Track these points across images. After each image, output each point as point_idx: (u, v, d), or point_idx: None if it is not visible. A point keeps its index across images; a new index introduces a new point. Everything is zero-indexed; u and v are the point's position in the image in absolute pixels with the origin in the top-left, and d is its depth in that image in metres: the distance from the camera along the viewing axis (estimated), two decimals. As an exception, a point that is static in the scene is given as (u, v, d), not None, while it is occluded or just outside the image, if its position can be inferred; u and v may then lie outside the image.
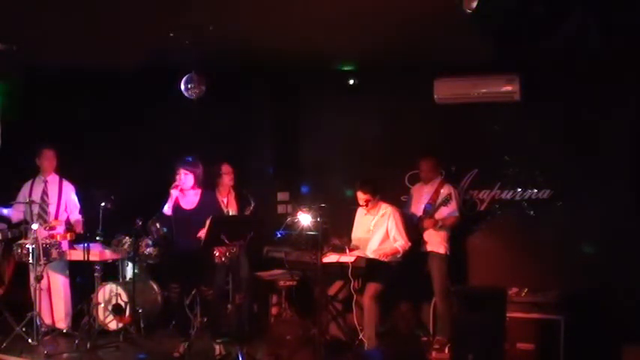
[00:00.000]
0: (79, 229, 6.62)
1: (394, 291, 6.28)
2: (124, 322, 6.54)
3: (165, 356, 5.99)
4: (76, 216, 6.77)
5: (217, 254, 6.13)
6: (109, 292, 6.70)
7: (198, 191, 5.86)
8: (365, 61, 6.86)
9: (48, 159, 6.78)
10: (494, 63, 6.09)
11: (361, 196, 6.22)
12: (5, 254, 6.87)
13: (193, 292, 6.57)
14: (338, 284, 6.23)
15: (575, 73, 6.32)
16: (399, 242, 6.14)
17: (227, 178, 6.77)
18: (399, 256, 6.13)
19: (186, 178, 5.78)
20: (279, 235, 6.33)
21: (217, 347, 5.83)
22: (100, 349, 6.04)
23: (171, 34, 5.48)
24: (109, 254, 6.71)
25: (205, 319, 6.56)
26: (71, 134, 7.37)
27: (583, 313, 5.85)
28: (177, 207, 5.78)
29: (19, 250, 6.26)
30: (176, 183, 5.79)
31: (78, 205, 6.80)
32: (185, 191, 5.83)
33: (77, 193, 6.89)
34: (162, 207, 5.91)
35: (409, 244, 6.17)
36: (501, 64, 6.19)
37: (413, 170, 6.90)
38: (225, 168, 6.79)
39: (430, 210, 6.31)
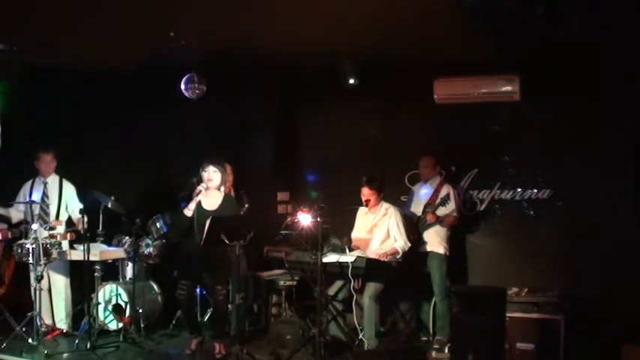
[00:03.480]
0: (80, 227, 6.60)
1: (394, 291, 6.29)
2: (124, 322, 6.54)
3: (165, 356, 5.99)
4: (76, 215, 6.77)
5: None
6: (109, 292, 6.71)
7: (222, 193, 5.85)
8: (365, 61, 6.86)
9: (45, 162, 6.75)
10: (494, 63, 6.10)
11: (366, 192, 6.20)
12: (5, 254, 6.87)
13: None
14: (338, 284, 6.23)
15: (575, 72, 6.32)
16: (399, 242, 6.14)
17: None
18: (398, 256, 6.13)
19: (214, 175, 5.78)
20: (280, 235, 6.33)
21: (217, 346, 5.83)
22: (100, 349, 6.03)
23: (172, 34, 5.48)
24: (116, 252, 6.73)
25: (207, 319, 6.57)
26: (71, 134, 7.37)
27: (583, 313, 5.85)
28: (198, 206, 5.76)
29: (19, 250, 6.25)
30: (201, 187, 5.72)
31: (79, 205, 6.79)
32: (209, 191, 5.82)
33: (77, 194, 6.88)
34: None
35: (409, 244, 6.17)
36: (501, 64, 6.19)
37: (413, 170, 6.90)
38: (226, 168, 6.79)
39: (429, 209, 6.31)
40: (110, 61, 6.55)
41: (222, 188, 5.92)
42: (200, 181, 5.79)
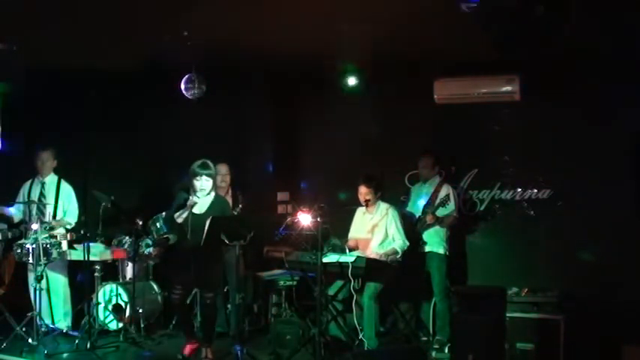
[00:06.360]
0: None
1: (394, 291, 6.29)
2: (124, 322, 6.54)
3: (165, 356, 5.99)
4: (72, 217, 6.76)
5: None
6: (109, 292, 6.71)
7: (211, 195, 5.81)
8: (365, 61, 6.86)
9: (42, 161, 6.77)
10: (494, 63, 6.09)
11: (363, 191, 6.20)
12: (5, 254, 6.87)
13: (193, 293, 6.56)
14: (338, 284, 6.23)
15: (574, 73, 6.32)
16: (398, 242, 6.13)
17: (218, 179, 6.73)
18: (398, 256, 6.13)
19: (207, 184, 5.66)
20: (280, 235, 6.32)
21: (204, 350, 5.74)
22: (100, 349, 6.03)
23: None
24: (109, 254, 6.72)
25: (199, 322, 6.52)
26: (71, 134, 7.37)
27: (583, 313, 5.85)
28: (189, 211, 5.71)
29: (19, 250, 6.26)
30: (195, 199, 5.56)
31: (76, 205, 6.79)
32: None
33: (77, 194, 6.87)
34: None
35: (407, 243, 6.16)
36: (501, 64, 6.19)
37: (413, 170, 6.90)
38: (218, 168, 6.74)
39: (429, 210, 6.31)
40: (110, 61, 6.54)
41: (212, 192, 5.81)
42: (193, 188, 5.62)
